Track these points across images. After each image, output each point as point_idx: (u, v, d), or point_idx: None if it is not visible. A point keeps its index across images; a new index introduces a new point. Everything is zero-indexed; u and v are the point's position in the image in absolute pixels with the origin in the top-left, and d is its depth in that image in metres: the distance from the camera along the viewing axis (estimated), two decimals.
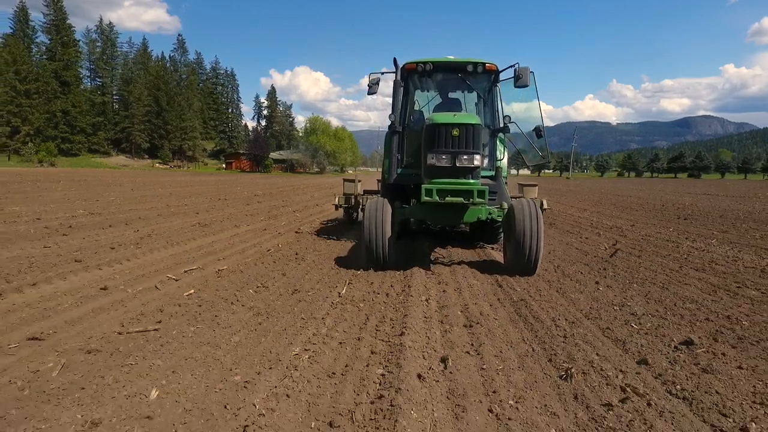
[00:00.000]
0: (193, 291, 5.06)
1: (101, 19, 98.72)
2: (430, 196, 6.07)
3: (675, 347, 3.68)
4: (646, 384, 3.02)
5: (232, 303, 4.66)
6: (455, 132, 6.22)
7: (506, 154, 8.10)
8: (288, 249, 7.99)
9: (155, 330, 3.81)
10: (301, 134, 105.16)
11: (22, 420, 2.46)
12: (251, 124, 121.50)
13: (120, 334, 3.71)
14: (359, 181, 10.34)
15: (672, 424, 2.54)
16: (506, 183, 8.03)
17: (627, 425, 2.52)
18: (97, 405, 2.61)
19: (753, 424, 2.52)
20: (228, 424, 2.46)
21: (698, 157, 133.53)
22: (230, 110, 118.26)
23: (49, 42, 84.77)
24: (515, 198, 7.92)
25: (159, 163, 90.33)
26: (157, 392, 2.76)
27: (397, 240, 7.08)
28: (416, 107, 8.70)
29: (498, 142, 7.81)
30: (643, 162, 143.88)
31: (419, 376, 3.01)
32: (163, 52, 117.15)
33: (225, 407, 2.63)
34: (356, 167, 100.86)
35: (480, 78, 7.84)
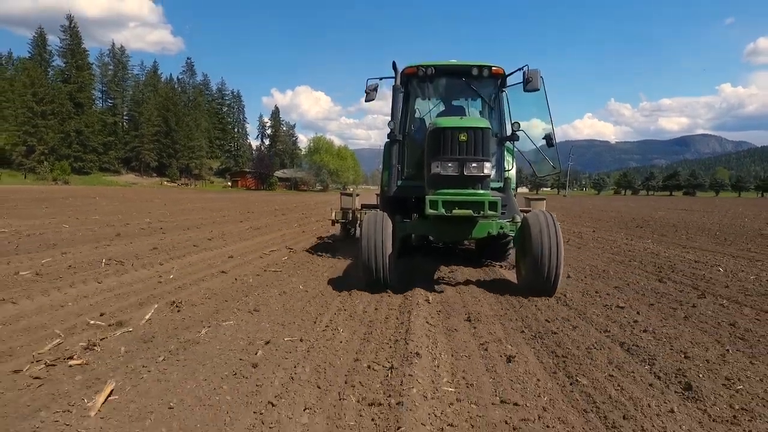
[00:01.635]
0: (286, 258, 8.32)
1: (113, 43, 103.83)
2: (436, 209, 5.59)
3: None
4: None
5: (313, 262, 7.89)
6: (462, 137, 5.67)
7: (514, 164, 7.77)
8: (327, 241, 11.16)
9: (280, 271, 7.05)
10: (303, 153, 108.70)
11: (250, 293, 5.63)
12: (255, 143, 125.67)
13: (265, 271, 6.99)
14: (357, 195, 10.36)
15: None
16: (515, 195, 7.71)
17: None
18: (280, 288, 5.80)
19: (568, 291, 5.75)
20: (341, 291, 5.69)
21: (693, 176, 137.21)
22: (236, 130, 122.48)
23: (64, 65, 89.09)
24: (525, 211, 7.47)
25: (167, 181, 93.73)
26: (303, 286, 5.97)
27: (397, 258, 6.68)
28: (417, 115, 8.17)
29: (506, 152, 7.45)
30: (639, 180, 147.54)
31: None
32: (171, 74, 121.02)
33: (336, 289, 5.85)
34: (358, 185, 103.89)
35: (486, 83, 7.35)
